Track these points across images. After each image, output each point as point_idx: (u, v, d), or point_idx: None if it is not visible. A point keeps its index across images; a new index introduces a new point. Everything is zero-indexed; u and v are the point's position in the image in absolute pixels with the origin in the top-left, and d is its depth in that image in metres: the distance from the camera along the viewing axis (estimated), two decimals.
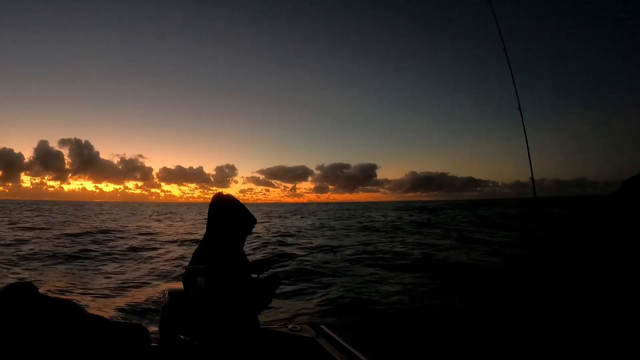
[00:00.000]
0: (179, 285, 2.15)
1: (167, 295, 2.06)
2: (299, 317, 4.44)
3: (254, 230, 1.80)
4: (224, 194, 1.67)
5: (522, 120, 3.57)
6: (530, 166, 3.41)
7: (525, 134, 3.52)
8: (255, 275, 1.75)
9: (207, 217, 1.64)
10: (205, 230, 1.67)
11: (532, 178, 3.37)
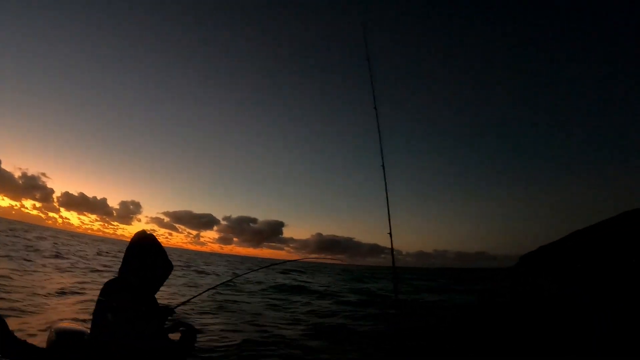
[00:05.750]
0: (66, 323, 2.02)
1: (53, 335, 1.85)
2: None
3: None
4: (148, 233, 1.61)
5: (385, 179, 3.87)
6: (390, 227, 3.62)
7: (387, 191, 3.81)
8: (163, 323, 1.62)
9: (125, 251, 1.56)
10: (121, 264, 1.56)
11: (390, 233, 3.62)
